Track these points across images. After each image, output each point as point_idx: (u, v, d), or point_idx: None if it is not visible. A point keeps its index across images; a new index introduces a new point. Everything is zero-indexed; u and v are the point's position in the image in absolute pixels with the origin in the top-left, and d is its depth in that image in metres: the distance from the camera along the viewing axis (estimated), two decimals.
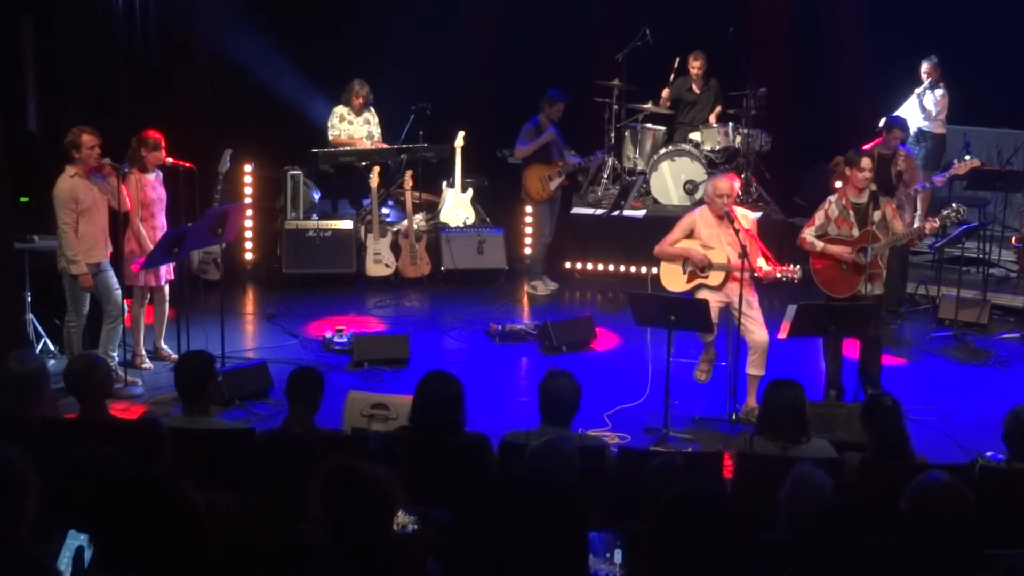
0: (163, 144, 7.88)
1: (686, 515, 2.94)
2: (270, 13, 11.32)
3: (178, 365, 5.82)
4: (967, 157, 8.87)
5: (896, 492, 3.80)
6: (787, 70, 11.70)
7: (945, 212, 7.52)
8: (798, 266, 7.46)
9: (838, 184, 10.39)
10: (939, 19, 11.31)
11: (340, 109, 10.83)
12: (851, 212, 7.39)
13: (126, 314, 7.85)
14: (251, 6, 11.25)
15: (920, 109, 10.94)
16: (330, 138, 10.81)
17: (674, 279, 7.57)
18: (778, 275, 7.37)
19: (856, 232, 7.36)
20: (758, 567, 3.69)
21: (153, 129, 7.94)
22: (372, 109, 10.93)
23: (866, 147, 9.33)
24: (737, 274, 7.21)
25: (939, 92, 10.96)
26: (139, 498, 2.61)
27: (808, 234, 7.50)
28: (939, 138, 11.16)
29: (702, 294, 7.38)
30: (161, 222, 8.01)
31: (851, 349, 7.74)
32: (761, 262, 7.33)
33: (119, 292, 7.75)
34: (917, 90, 10.97)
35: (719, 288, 7.39)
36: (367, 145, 10.83)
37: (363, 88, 10.72)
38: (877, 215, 7.32)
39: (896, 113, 10.86)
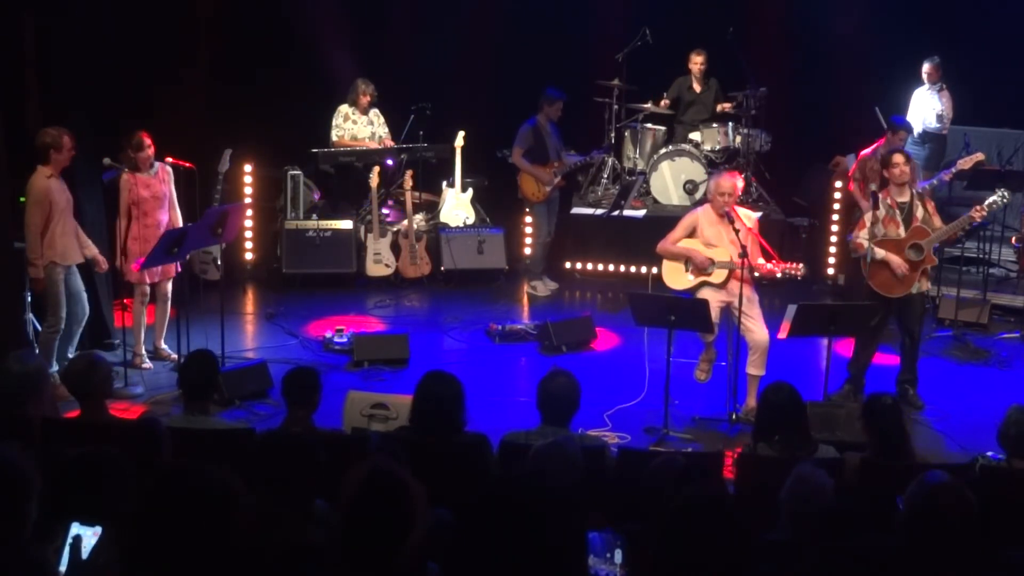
0: (147, 142, 7.91)
1: (694, 522, 2.93)
2: (270, 13, 11.32)
3: (184, 364, 5.84)
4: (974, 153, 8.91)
5: (896, 492, 3.79)
6: (787, 70, 11.69)
7: (990, 199, 7.64)
8: (801, 264, 7.48)
9: (838, 184, 10.46)
10: (939, 19, 11.31)
11: (344, 108, 10.82)
12: (897, 211, 7.45)
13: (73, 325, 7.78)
14: (252, 5, 11.25)
15: (935, 115, 10.92)
16: (334, 138, 10.80)
17: (677, 277, 7.57)
18: (778, 274, 7.38)
19: (903, 231, 7.43)
20: (759, 567, 3.69)
21: (146, 130, 7.99)
22: (376, 109, 10.92)
23: (866, 151, 9.34)
24: (739, 272, 7.22)
25: (946, 101, 10.96)
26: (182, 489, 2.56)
27: (863, 238, 7.45)
28: (942, 139, 11.16)
29: (704, 293, 7.38)
30: (157, 219, 8.02)
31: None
32: (762, 260, 7.35)
33: (84, 297, 7.76)
34: (927, 92, 10.95)
35: (722, 286, 7.38)
36: (372, 145, 10.83)
37: (368, 87, 10.71)
38: (920, 212, 7.42)
39: (904, 116, 10.86)
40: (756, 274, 7.35)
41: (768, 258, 7.45)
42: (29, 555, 3.08)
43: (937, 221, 7.49)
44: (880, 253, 7.39)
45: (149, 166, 7.98)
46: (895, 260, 7.39)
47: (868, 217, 7.49)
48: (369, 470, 2.95)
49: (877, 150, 9.25)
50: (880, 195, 7.53)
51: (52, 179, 7.44)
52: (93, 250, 7.82)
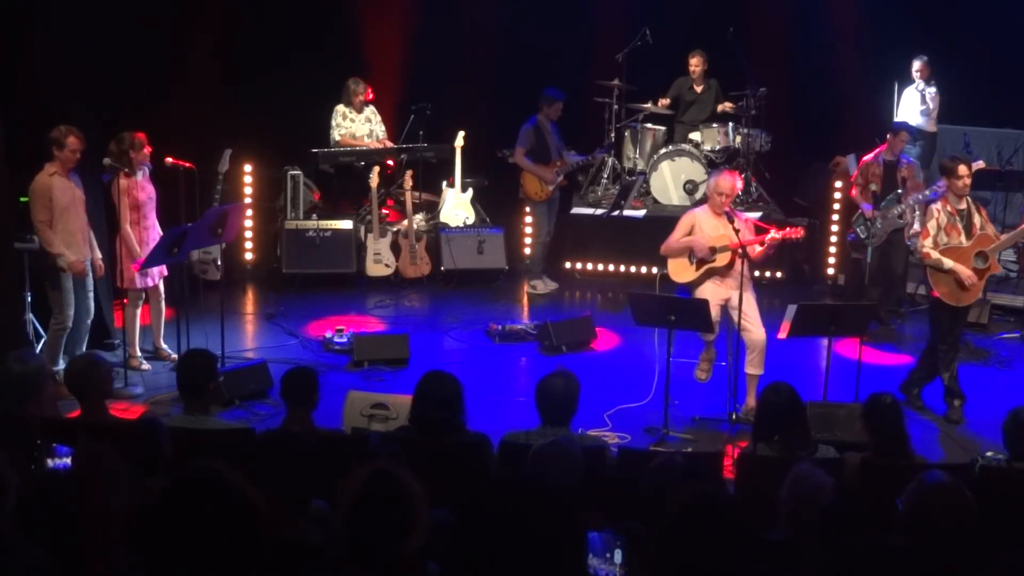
0: (146, 141, 7.91)
1: (694, 523, 2.92)
2: (270, 12, 11.32)
3: (180, 363, 5.83)
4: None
5: (896, 492, 3.79)
6: (787, 70, 11.69)
7: None
8: (800, 227, 7.50)
9: (838, 184, 10.46)
10: (939, 19, 11.31)
11: (341, 108, 10.82)
12: (957, 219, 7.41)
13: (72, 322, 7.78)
14: (253, 5, 11.24)
15: (921, 105, 10.94)
16: (337, 137, 10.80)
17: (683, 271, 7.58)
18: (780, 238, 7.37)
19: (964, 239, 7.35)
20: (758, 567, 3.69)
21: (145, 131, 7.98)
22: (373, 107, 10.93)
23: (868, 156, 9.33)
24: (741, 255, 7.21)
25: (932, 90, 10.98)
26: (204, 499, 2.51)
27: (929, 247, 7.36)
28: (931, 136, 11.17)
29: (704, 290, 7.39)
30: (153, 221, 8.04)
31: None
32: (759, 248, 7.36)
33: (91, 298, 7.76)
34: (918, 87, 10.97)
35: (727, 270, 7.36)
36: (373, 144, 10.83)
37: (358, 86, 10.71)
38: (977, 219, 7.40)
39: (896, 112, 10.87)
40: (761, 246, 7.31)
41: (763, 232, 7.43)
42: (12, 546, 3.12)
43: (991, 228, 7.49)
44: (949, 264, 7.28)
45: (142, 168, 7.98)
46: (964, 272, 7.26)
47: (931, 225, 7.40)
48: (371, 471, 2.95)
49: (880, 155, 9.24)
50: (940, 203, 7.46)
51: (55, 177, 7.45)
52: (96, 254, 7.84)
